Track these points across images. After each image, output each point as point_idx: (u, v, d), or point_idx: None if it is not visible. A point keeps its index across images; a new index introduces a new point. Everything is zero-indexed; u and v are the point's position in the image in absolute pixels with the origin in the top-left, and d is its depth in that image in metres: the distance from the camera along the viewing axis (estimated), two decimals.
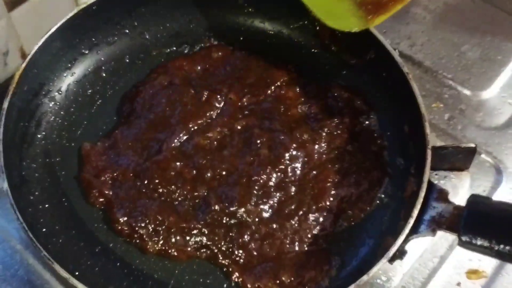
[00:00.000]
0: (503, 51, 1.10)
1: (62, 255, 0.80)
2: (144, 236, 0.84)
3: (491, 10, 1.15)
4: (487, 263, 0.87)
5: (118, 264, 0.83)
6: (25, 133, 0.90)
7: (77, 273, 0.75)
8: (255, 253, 0.83)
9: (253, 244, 0.84)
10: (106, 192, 0.88)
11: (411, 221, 0.76)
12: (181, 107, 0.94)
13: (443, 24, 1.13)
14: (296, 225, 0.85)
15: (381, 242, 0.81)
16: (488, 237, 0.72)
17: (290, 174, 0.88)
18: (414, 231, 0.77)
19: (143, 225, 0.84)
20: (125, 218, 0.85)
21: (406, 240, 0.77)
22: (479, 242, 0.73)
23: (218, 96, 0.95)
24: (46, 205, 0.86)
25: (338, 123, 0.93)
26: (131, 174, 0.89)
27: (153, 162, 0.89)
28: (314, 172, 0.89)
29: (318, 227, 0.85)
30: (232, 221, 0.85)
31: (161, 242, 0.84)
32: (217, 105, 0.95)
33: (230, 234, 0.84)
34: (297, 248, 0.84)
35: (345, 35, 0.92)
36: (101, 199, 0.88)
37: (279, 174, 0.88)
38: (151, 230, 0.84)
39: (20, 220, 0.76)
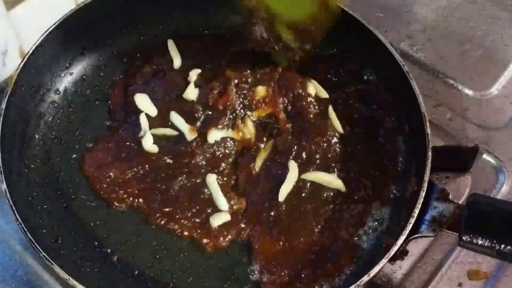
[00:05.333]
0: (505, 50, 1.09)
1: (61, 256, 0.81)
2: (182, 221, 0.84)
3: (493, 9, 1.15)
4: (489, 264, 0.86)
5: (118, 265, 0.83)
6: (23, 133, 0.89)
7: (76, 274, 0.75)
8: (267, 254, 0.83)
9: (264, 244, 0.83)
10: (130, 190, 0.87)
11: (412, 221, 0.76)
12: (178, 92, 0.93)
13: (444, 23, 1.13)
14: (309, 225, 0.84)
15: (382, 242, 0.81)
16: (489, 236, 0.72)
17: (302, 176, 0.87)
18: (415, 231, 0.77)
19: (179, 211, 0.85)
20: (159, 206, 0.85)
21: (407, 240, 0.77)
22: (480, 241, 0.72)
23: (217, 82, 0.92)
24: (45, 206, 0.86)
25: (343, 120, 0.92)
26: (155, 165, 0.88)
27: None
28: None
29: (328, 228, 0.84)
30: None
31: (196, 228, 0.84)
32: (214, 91, 0.92)
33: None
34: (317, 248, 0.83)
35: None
36: (128, 200, 0.87)
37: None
38: (189, 215, 0.85)
39: (19, 221, 0.76)
